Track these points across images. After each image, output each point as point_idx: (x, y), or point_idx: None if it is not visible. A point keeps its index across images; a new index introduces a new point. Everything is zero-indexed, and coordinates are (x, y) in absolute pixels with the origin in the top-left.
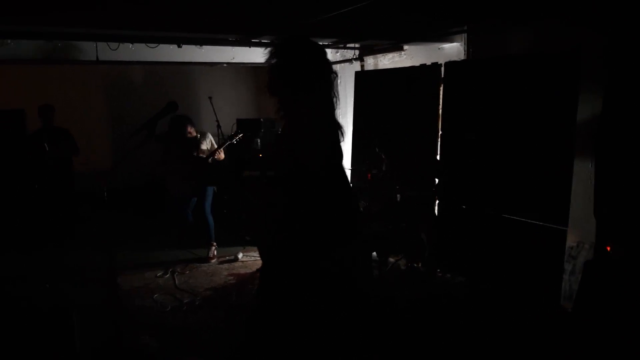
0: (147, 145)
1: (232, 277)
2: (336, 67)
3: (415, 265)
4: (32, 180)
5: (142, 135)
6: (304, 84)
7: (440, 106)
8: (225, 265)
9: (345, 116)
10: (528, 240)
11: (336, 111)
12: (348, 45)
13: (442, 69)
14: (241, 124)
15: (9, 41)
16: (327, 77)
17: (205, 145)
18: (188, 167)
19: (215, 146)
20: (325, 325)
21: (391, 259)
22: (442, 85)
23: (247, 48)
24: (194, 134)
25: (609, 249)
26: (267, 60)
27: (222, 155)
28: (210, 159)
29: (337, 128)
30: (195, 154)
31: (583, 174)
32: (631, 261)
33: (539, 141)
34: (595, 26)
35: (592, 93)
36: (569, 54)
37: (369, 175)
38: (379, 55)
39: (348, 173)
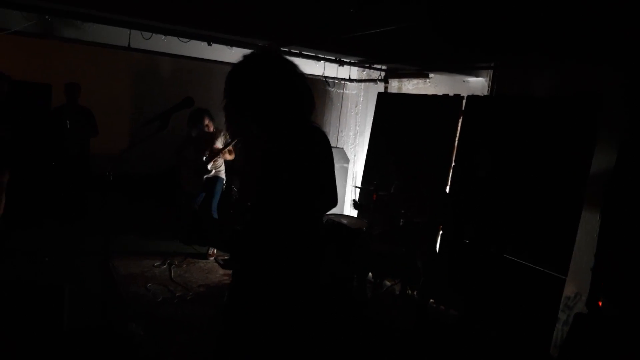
0: (158, 137)
1: (227, 277)
2: (361, 86)
3: (410, 292)
4: (50, 156)
5: (155, 126)
6: (281, 102)
7: (457, 138)
8: None
9: (363, 134)
10: (526, 284)
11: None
12: (374, 65)
13: (464, 101)
14: None
15: (46, 17)
16: (301, 90)
17: (219, 143)
18: (198, 162)
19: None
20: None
21: (387, 282)
22: (461, 117)
23: None
24: (212, 128)
25: (600, 304)
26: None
27: (227, 156)
28: (209, 165)
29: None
30: (208, 150)
31: (590, 225)
32: (621, 320)
33: (549, 186)
34: (618, 70)
35: (610, 142)
36: (589, 99)
37: (375, 195)
38: (404, 80)
39: (357, 191)
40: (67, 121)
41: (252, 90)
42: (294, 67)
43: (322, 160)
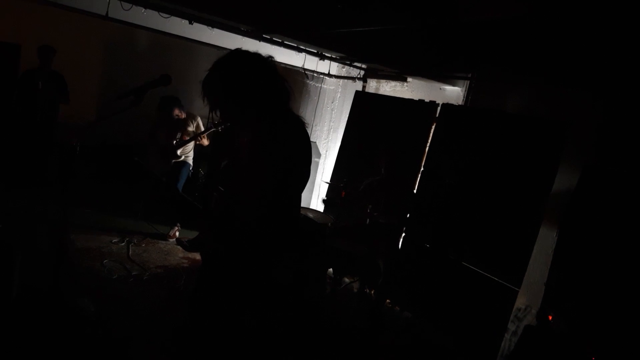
0: (133, 111)
1: (186, 261)
2: (339, 82)
3: (367, 290)
4: (19, 118)
5: (128, 101)
6: (260, 97)
7: (428, 144)
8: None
9: (337, 130)
10: (480, 292)
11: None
12: (355, 63)
13: (439, 108)
14: None
15: None
16: (280, 86)
17: (191, 127)
18: (168, 146)
19: (202, 129)
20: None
21: (346, 279)
22: (434, 124)
23: (257, 42)
24: (182, 116)
25: (550, 318)
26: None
27: (205, 141)
28: (179, 150)
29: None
30: (179, 135)
31: (546, 242)
32: (568, 335)
33: (511, 200)
34: (595, 98)
35: (572, 165)
36: (558, 125)
37: (343, 192)
38: (382, 81)
39: (325, 186)
40: (39, 82)
41: (236, 80)
42: (273, 64)
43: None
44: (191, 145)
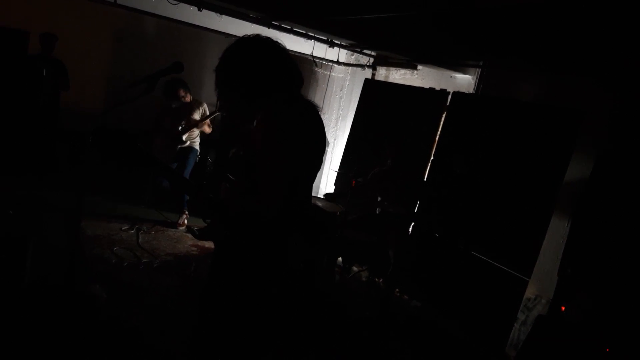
0: (143, 99)
1: (195, 248)
2: (348, 70)
3: (377, 280)
4: (24, 105)
5: (141, 89)
6: (276, 81)
7: (439, 133)
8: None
9: (345, 119)
10: (490, 282)
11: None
12: (364, 50)
13: (450, 97)
14: None
15: None
16: (291, 67)
17: (197, 115)
18: (173, 132)
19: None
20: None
21: (355, 268)
22: (445, 112)
23: (266, 28)
24: (188, 99)
25: (563, 308)
26: (227, 63)
27: (207, 129)
28: (184, 136)
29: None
30: (184, 121)
31: (557, 232)
32: (582, 325)
33: (523, 190)
34: (606, 88)
35: (585, 154)
36: (572, 113)
37: (354, 182)
38: (391, 69)
39: (334, 175)
40: (44, 69)
41: (246, 66)
42: (284, 48)
43: (287, 151)
44: (197, 131)
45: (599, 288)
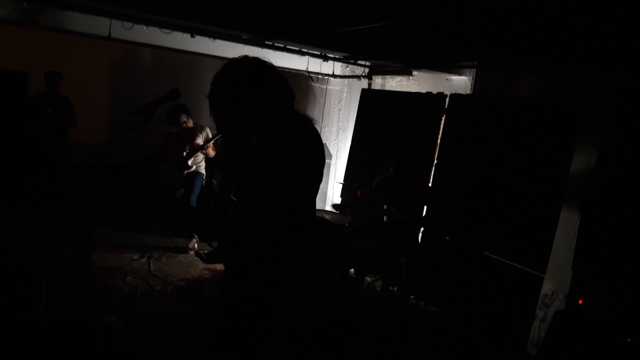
0: (143, 128)
1: (207, 272)
2: (344, 82)
3: (391, 288)
4: (29, 142)
5: (140, 118)
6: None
7: (440, 136)
8: None
9: (346, 130)
10: (505, 281)
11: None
12: (359, 62)
13: (447, 99)
14: None
15: (24, 4)
16: (287, 92)
17: (200, 139)
18: (179, 159)
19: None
20: (287, 328)
21: (368, 278)
22: (444, 115)
23: (259, 48)
24: (190, 124)
25: (580, 302)
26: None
27: (210, 152)
28: (189, 161)
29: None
30: (188, 146)
31: (568, 225)
32: (601, 318)
33: (530, 186)
34: (604, 81)
35: (589, 146)
36: (572, 105)
37: (359, 192)
38: (387, 77)
39: (339, 187)
40: (48, 109)
41: (237, 88)
42: (272, 66)
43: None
44: (202, 155)
45: (614, 280)
